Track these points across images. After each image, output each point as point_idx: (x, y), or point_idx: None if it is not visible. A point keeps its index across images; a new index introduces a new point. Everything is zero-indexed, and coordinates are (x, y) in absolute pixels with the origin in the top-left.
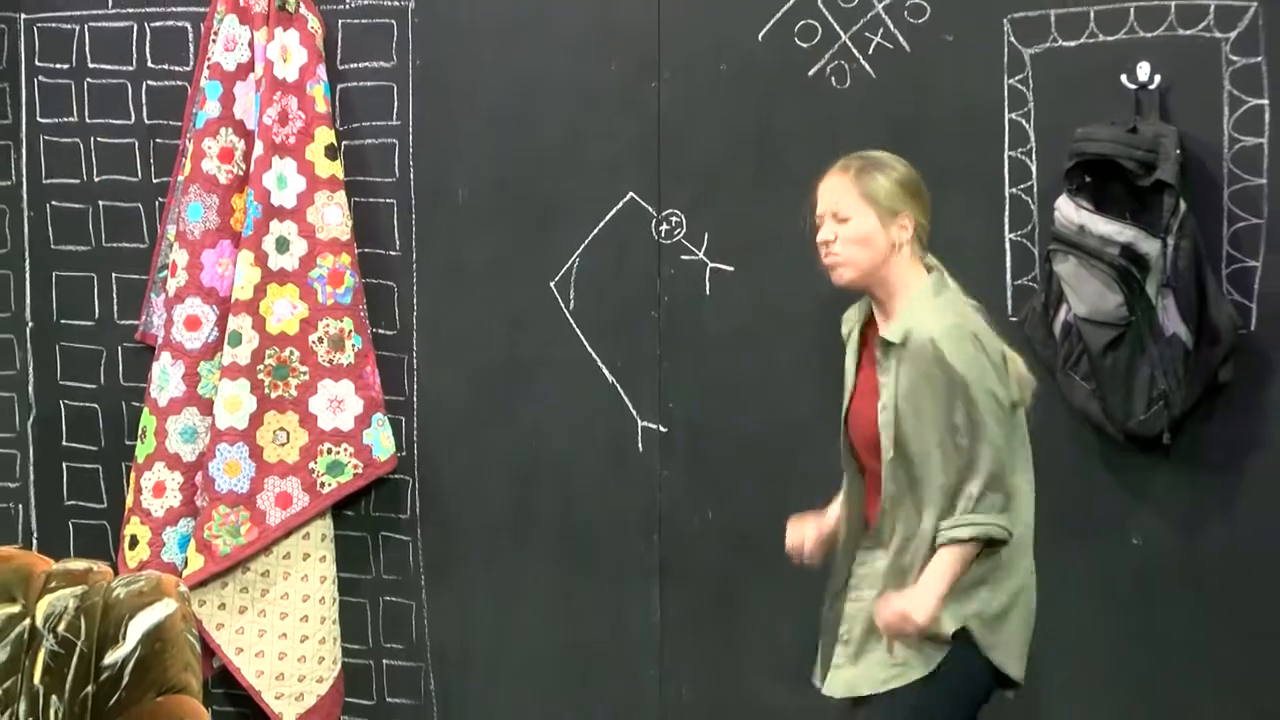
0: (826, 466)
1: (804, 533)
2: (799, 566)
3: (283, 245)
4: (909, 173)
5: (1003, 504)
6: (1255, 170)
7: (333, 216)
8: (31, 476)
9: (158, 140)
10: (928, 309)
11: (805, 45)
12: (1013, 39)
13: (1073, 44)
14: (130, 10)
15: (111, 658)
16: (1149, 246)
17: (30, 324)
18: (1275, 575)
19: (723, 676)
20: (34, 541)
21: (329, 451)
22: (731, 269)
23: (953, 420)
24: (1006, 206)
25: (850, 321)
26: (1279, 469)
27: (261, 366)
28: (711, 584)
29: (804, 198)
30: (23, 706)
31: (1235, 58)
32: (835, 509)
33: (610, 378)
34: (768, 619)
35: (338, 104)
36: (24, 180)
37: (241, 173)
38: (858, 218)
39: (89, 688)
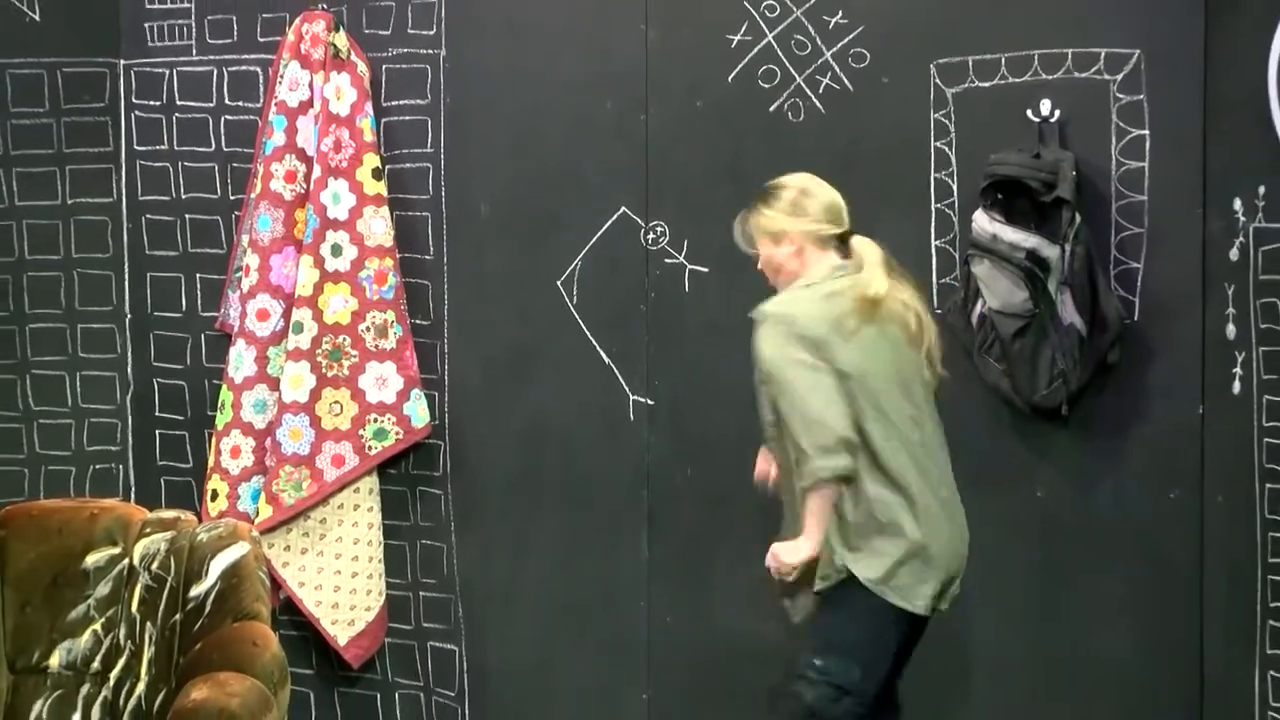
0: None
1: (768, 465)
2: (763, 491)
3: (337, 251)
4: (793, 196)
5: (827, 448)
6: (1138, 189)
7: (378, 227)
8: (130, 442)
9: (233, 164)
10: (780, 298)
11: (767, 86)
12: (938, 80)
13: (987, 84)
14: (211, 57)
15: (196, 590)
16: (1050, 251)
17: (129, 316)
18: (1150, 519)
19: (700, 607)
20: (132, 495)
21: (375, 420)
22: (707, 270)
23: (775, 395)
24: (932, 219)
25: None
26: (1155, 436)
27: (320, 350)
28: (691, 530)
29: None
30: (122, 631)
31: (1121, 95)
32: None
33: (606, 360)
34: (737, 559)
35: (382, 134)
36: (124, 198)
37: (303, 191)
38: (761, 249)
39: (177, 616)
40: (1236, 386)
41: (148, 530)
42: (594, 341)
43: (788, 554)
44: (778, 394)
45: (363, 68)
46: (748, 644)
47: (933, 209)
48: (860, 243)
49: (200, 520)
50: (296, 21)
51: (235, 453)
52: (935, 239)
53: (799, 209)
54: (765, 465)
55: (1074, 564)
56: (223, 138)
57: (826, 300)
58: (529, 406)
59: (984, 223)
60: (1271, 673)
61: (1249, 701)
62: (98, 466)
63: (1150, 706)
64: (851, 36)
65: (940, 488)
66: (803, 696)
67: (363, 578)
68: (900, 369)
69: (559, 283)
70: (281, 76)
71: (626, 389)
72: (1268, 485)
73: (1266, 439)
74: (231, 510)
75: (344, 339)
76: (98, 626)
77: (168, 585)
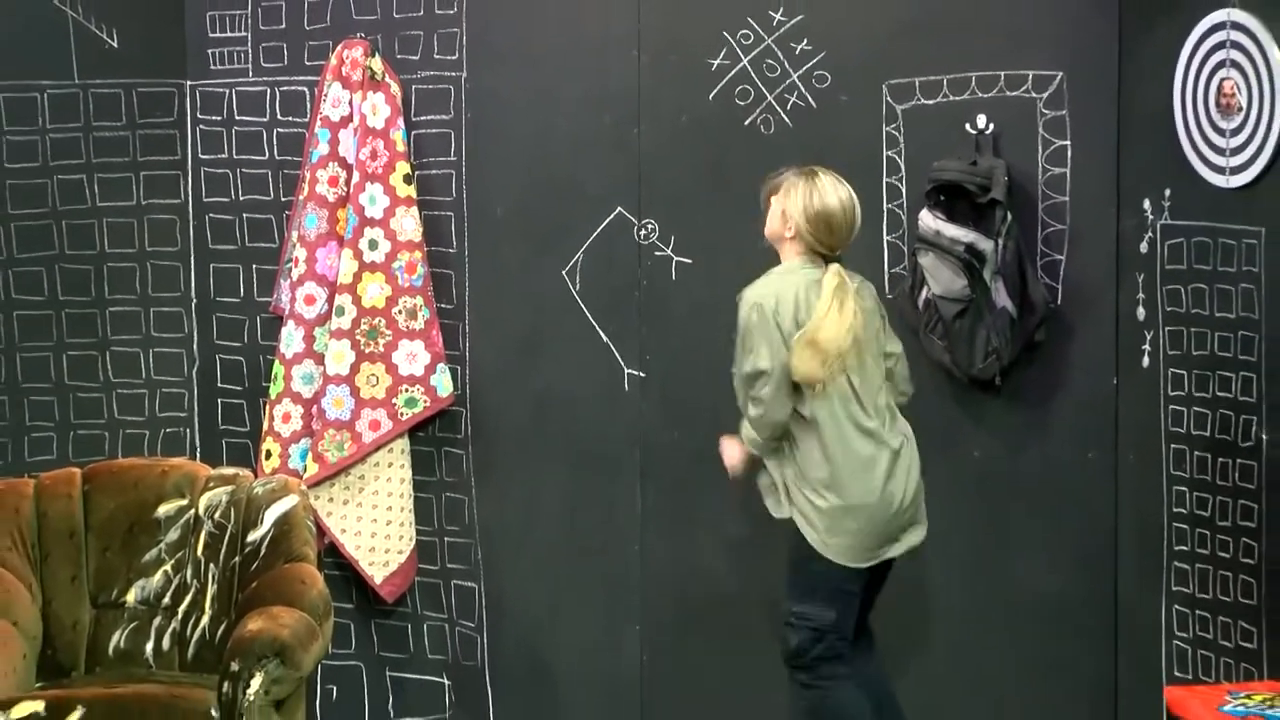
0: None
1: (735, 456)
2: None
3: (373, 245)
4: (816, 195)
5: (754, 413)
6: (1061, 191)
7: (409, 225)
8: (196, 409)
9: (284, 171)
10: (764, 279)
11: (742, 104)
12: (889, 99)
13: (931, 102)
14: (264, 79)
15: (252, 536)
16: (985, 245)
17: (194, 301)
18: (1071, 476)
19: (685, 548)
20: (197, 454)
21: (406, 390)
22: (691, 262)
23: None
24: (884, 218)
25: None
26: (1075, 403)
27: (359, 330)
28: (677, 484)
29: (743, 212)
30: (189, 571)
31: (1046, 111)
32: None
33: (604, 339)
34: (718, 507)
35: (412, 145)
36: (190, 200)
37: (344, 194)
38: (772, 208)
39: (236, 558)
40: (1145, 361)
41: (211, 485)
42: (594, 323)
43: (727, 455)
44: (743, 350)
45: (395, 88)
46: (727, 583)
47: (885, 209)
48: (834, 270)
49: (256, 476)
50: (338, 48)
51: (286, 418)
52: (887, 235)
53: (813, 214)
54: (733, 456)
55: (1007, 515)
56: (275, 148)
57: (793, 285)
58: (538, 378)
59: (929, 221)
60: (1176, 606)
61: (1156, 630)
62: (168, 430)
63: (1072, 635)
64: (814, 61)
65: (883, 465)
66: (788, 641)
67: (395, 525)
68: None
69: (564, 273)
70: (325, 95)
71: (622, 364)
72: (1172, 446)
73: (1171, 406)
74: (283, 468)
75: (379, 320)
76: (168, 567)
77: (228, 532)
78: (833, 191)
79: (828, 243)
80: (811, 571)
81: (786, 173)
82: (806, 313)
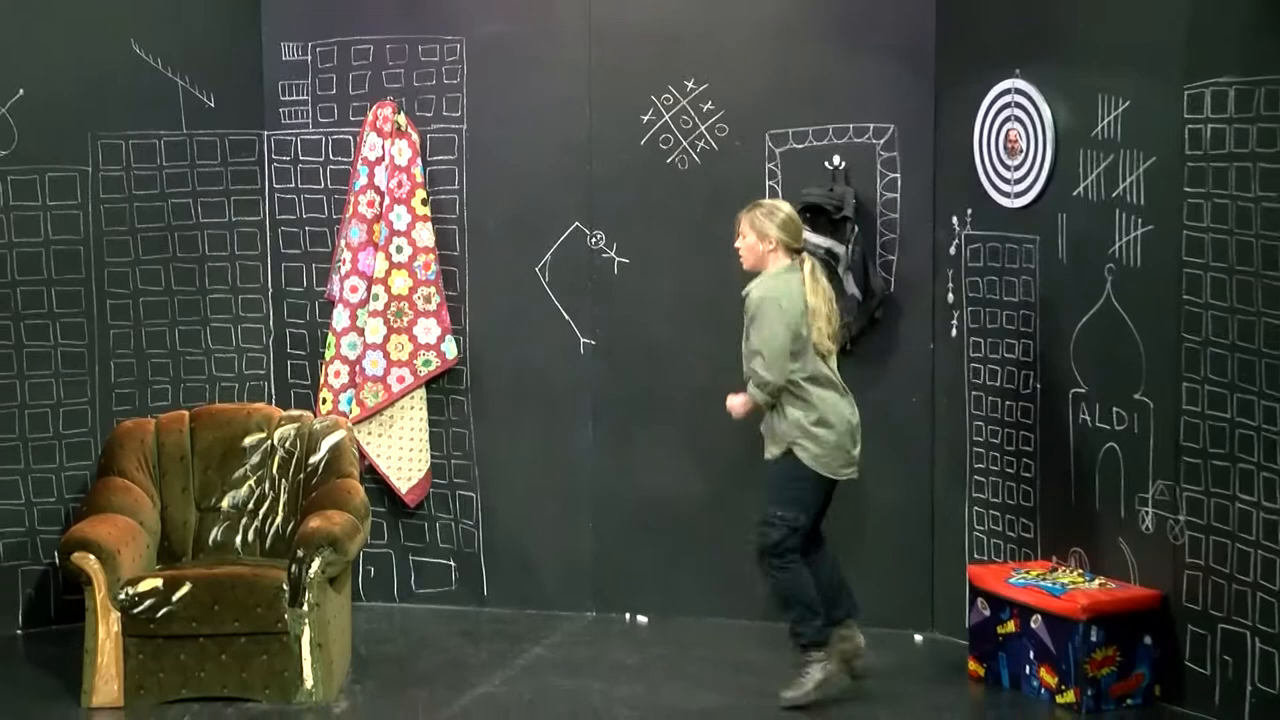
0: (682, 362)
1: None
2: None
3: (399, 249)
4: (779, 211)
5: (760, 379)
6: (893, 210)
7: (425, 235)
8: (271, 368)
9: (335, 196)
10: (762, 282)
11: (665, 147)
12: (770, 144)
13: (800, 146)
14: (320, 130)
15: (313, 460)
16: (839, 249)
17: (270, 290)
18: (901, 414)
19: (625, 468)
20: (273, 401)
21: (424, 354)
22: (628, 261)
23: (753, 336)
24: None
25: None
26: (904, 363)
27: (389, 311)
28: (619, 421)
29: (667, 226)
30: (267, 485)
31: (883, 153)
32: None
33: (566, 316)
34: (656, 440)
35: (427, 177)
36: (267, 217)
37: (378, 212)
38: (746, 240)
39: (300, 475)
40: (954, 332)
41: (282, 423)
42: (559, 306)
43: (733, 404)
44: (758, 327)
45: (415, 136)
46: (657, 493)
47: None
48: (804, 256)
49: (315, 416)
50: (373, 107)
51: (337, 375)
52: None
53: (783, 223)
54: (736, 406)
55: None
56: (328, 180)
57: (788, 281)
58: (519, 346)
59: None
60: (975, 508)
61: (960, 525)
62: (251, 384)
63: (902, 527)
64: (716, 117)
65: (846, 400)
66: (769, 535)
67: (416, 451)
68: (819, 326)
69: (537, 269)
70: (364, 141)
71: (579, 335)
72: (973, 392)
73: (972, 364)
74: (334, 410)
75: (404, 304)
76: (251, 482)
77: (295, 456)
78: (782, 204)
79: (798, 240)
80: (797, 486)
81: (740, 216)
82: (803, 299)
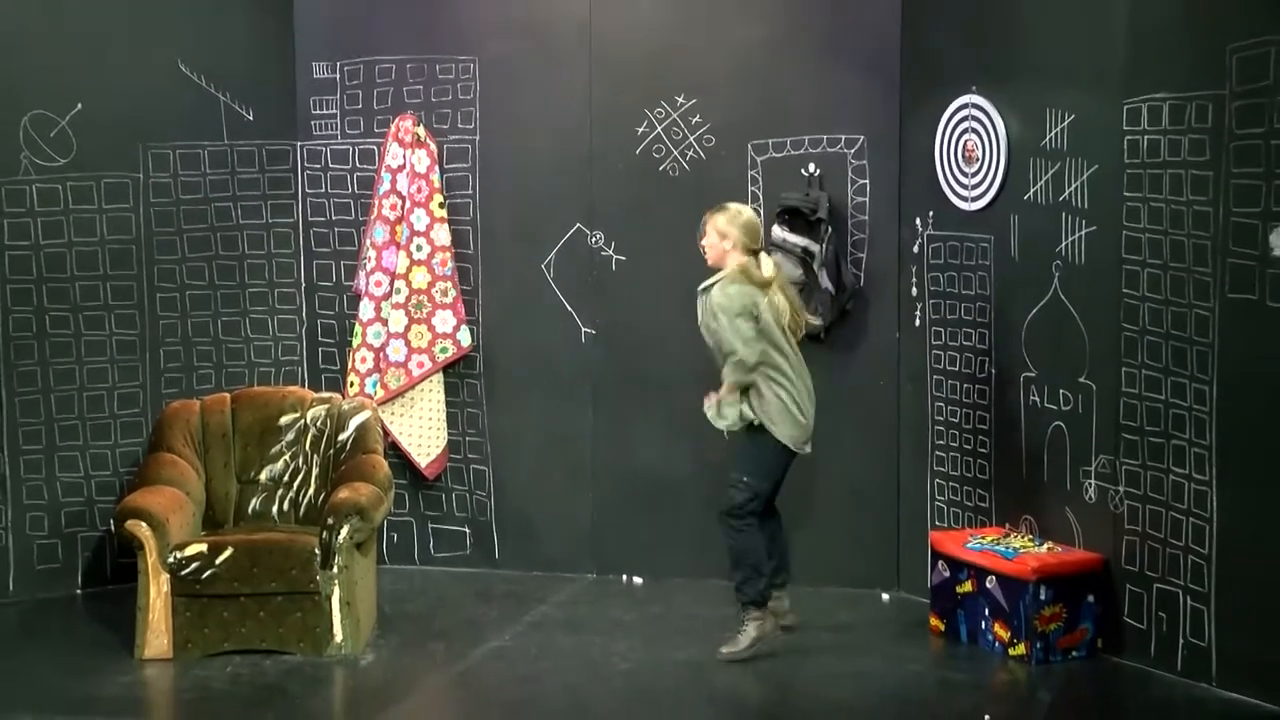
0: (673, 348)
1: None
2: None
3: (419, 248)
4: (741, 215)
5: (735, 365)
6: (864, 212)
7: (442, 235)
8: (304, 355)
9: (361, 200)
10: (720, 281)
11: (657, 156)
12: (752, 153)
13: (780, 155)
14: (348, 140)
15: (342, 437)
16: (814, 247)
17: (304, 285)
18: (869, 397)
19: (624, 449)
20: (305, 384)
21: (441, 342)
22: (625, 258)
23: (721, 328)
24: None
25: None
26: (872, 350)
27: (410, 303)
28: (616, 403)
29: (659, 227)
30: (300, 460)
31: (854, 161)
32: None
33: (569, 308)
34: (649, 419)
35: (444, 183)
36: (300, 219)
37: (400, 215)
38: (709, 239)
39: (330, 451)
40: (917, 322)
41: (315, 404)
42: (562, 298)
43: (711, 401)
44: (722, 328)
45: (433, 146)
46: (649, 468)
47: None
48: (763, 255)
49: (343, 398)
50: (395, 120)
51: (363, 361)
52: None
53: (744, 226)
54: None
55: (828, 422)
56: (355, 185)
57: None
58: (527, 334)
59: (778, 232)
60: (936, 480)
61: (923, 496)
62: (286, 369)
63: (871, 498)
64: (704, 129)
65: (804, 385)
66: (734, 498)
67: (434, 429)
68: (780, 320)
69: (543, 265)
70: (387, 151)
71: (580, 324)
72: (934, 376)
73: (934, 350)
74: (361, 393)
75: (424, 297)
76: (287, 457)
77: (326, 434)
78: (745, 208)
79: (757, 241)
80: (766, 457)
81: (706, 216)
82: (757, 291)
